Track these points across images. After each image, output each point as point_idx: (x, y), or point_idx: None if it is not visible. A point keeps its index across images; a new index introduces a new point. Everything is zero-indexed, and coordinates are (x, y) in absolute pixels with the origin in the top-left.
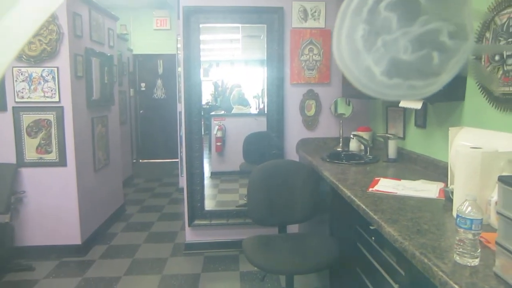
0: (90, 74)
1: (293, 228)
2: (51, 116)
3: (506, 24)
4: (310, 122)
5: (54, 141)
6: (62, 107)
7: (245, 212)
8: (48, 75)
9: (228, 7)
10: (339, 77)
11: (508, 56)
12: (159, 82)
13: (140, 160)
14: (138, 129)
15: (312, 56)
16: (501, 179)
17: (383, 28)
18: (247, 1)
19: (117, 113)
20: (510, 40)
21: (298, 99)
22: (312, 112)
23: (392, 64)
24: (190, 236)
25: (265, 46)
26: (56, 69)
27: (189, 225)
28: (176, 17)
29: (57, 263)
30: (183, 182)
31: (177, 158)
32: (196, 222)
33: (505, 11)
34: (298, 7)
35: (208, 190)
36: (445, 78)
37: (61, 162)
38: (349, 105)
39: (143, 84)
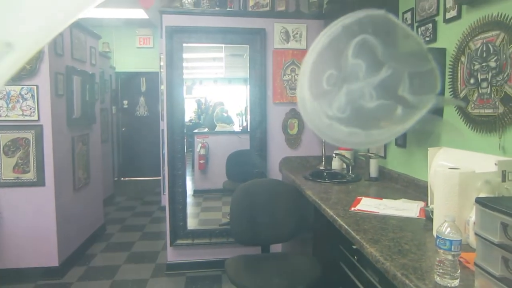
0: (71, 92)
1: (276, 247)
2: (29, 135)
3: (480, 49)
4: (293, 141)
5: (32, 160)
6: (41, 126)
7: (228, 231)
8: (27, 93)
9: (211, 27)
10: None
11: (483, 80)
12: (142, 99)
13: (122, 178)
14: (120, 147)
15: (294, 76)
16: (478, 201)
17: (350, 76)
18: (230, 22)
19: (99, 131)
20: (484, 64)
21: (281, 118)
22: (295, 131)
23: (352, 113)
24: (172, 256)
25: (248, 65)
26: (35, 87)
27: (171, 245)
28: (159, 35)
29: (32, 287)
30: (165, 200)
31: (160, 176)
32: (178, 241)
33: (479, 37)
34: (280, 28)
35: (190, 209)
36: (402, 128)
37: (39, 181)
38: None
39: (125, 102)
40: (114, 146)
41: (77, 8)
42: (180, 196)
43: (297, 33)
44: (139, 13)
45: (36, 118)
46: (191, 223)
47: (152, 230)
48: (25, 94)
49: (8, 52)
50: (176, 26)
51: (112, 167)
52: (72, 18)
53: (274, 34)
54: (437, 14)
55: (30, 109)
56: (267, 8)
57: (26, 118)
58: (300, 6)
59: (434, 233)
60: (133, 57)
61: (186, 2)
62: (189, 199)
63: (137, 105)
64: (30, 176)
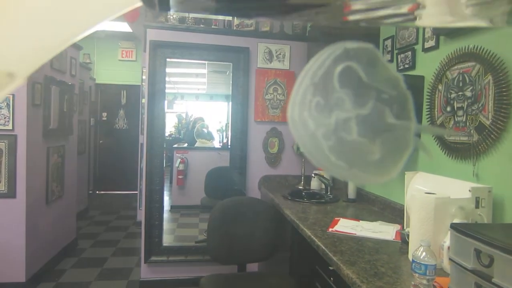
0: (48, 103)
1: (252, 267)
2: (2, 145)
3: (456, 78)
4: (273, 159)
5: (3, 171)
6: (15, 136)
7: (204, 248)
8: (3, 102)
9: (195, 44)
10: None
11: (459, 108)
12: (121, 112)
13: (97, 192)
14: (96, 159)
15: (276, 95)
16: (453, 227)
17: (337, 105)
18: (214, 39)
19: (75, 143)
20: (460, 93)
21: (262, 136)
22: (275, 149)
23: (337, 143)
24: (146, 273)
25: (231, 82)
26: (11, 96)
27: (145, 261)
28: (142, 49)
29: None
30: (141, 215)
31: (136, 190)
32: (153, 258)
33: (455, 67)
34: (263, 48)
35: (167, 225)
36: (392, 173)
37: (10, 193)
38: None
39: (104, 114)
40: (91, 158)
41: (73, 32)
42: (157, 212)
43: (280, 54)
44: (123, 26)
45: (11, 128)
46: (167, 240)
47: (126, 245)
48: (0, 103)
49: (10, 82)
50: (160, 41)
51: (88, 180)
52: (67, 41)
53: (257, 54)
54: (416, 43)
55: (5, 118)
56: (252, 28)
57: (0, 127)
58: (284, 28)
59: (410, 257)
60: (114, 69)
61: (171, 18)
62: (166, 215)
63: (117, 118)
64: (0, 187)
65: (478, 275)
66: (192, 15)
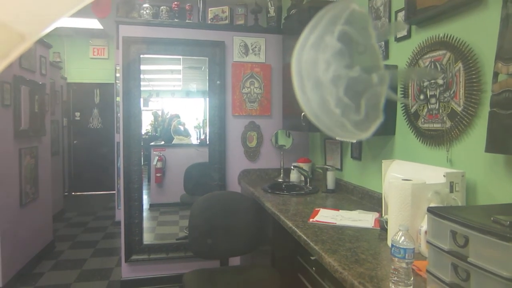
0: (18, 103)
1: (235, 260)
2: None
3: (428, 67)
4: (252, 153)
5: None
6: None
7: (185, 245)
8: None
9: (170, 39)
10: (279, 110)
11: (431, 96)
12: (95, 111)
13: (73, 193)
14: (71, 160)
15: (253, 89)
16: (430, 210)
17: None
18: (189, 34)
19: (49, 144)
20: (432, 81)
21: (240, 130)
22: (253, 143)
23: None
24: (127, 272)
25: (207, 77)
26: None
27: (125, 261)
28: (114, 46)
29: None
30: (120, 215)
31: (114, 190)
32: (134, 257)
33: (427, 55)
34: (239, 42)
35: (146, 223)
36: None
37: None
38: (289, 137)
39: (77, 114)
40: (65, 159)
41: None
42: (136, 210)
43: (255, 47)
44: (93, 23)
45: None
46: (147, 238)
47: (105, 246)
48: None
49: (21, 44)
50: (133, 37)
51: (63, 181)
52: (70, 10)
53: (233, 47)
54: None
55: None
56: (226, 22)
57: None
58: (258, 21)
59: (389, 243)
60: (86, 68)
61: (144, 13)
62: (145, 213)
63: (90, 117)
64: None
65: (454, 255)
66: (166, 8)
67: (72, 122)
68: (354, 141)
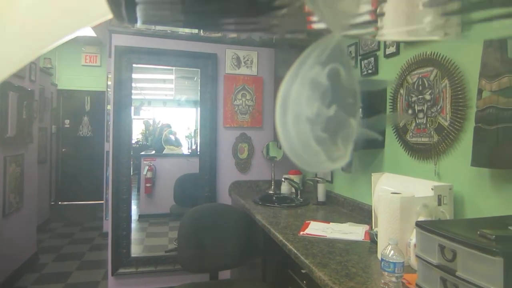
0: (5, 109)
1: (225, 274)
2: None
3: (416, 83)
4: (243, 165)
5: None
6: None
7: (175, 258)
8: None
9: (162, 49)
10: (271, 121)
11: (419, 111)
12: (85, 119)
13: (60, 203)
14: (59, 168)
15: (245, 101)
16: (418, 225)
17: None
18: (182, 45)
19: (36, 152)
20: (420, 97)
21: (231, 142)
22: (245, 155)
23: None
24: (114, 286)
25: (199, 88)
26: None
27: (112, 274)
28: (107, 54)
29: None
30: (107, 226)
31: (102, 200)
32: (121, 270)
33: (415, 72)
34: (231, 54)
35: (135, 234)
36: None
37: None
38: (280, 148)
39: (67, 121)
40: (53, 168)
41: (41, 45)
42: (124, 222)
43: (248, 60)
44: (87, 31)
45: None
46: (135, 250)
47: (91, 258)
48: None
49: (23, 59)
50: (126, 46)
51: (49, 190)
52: (35, 53)
53: (225, 60)
54: (378, 49)
55: None
56: (219, 34)
57: None
58: (251, 34)
59: (379, 256)
60: (77, 75)
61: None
62: (134, 224)
63: (80, 125)
64: None
65: (443, 269)
66: None
67: (61, 130)
68: None
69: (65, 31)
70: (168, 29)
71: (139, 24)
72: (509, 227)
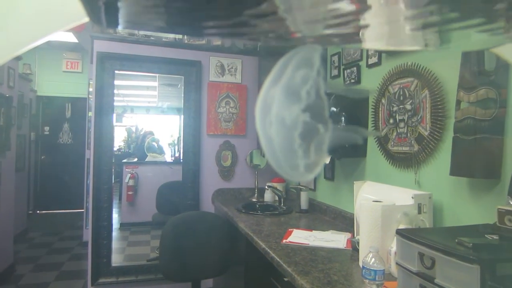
0: None
1: (207, 283)
2: None
3: (397, 93)
4: (226, 173)
5: None
6: None
7: (156, 267)
8: None
9: (145, 56)
10: (254, 129)
11: (400, 120)
12: (66, 126)
13: (38, 211)
14: (37, 176)
15: (228, 108)
16: (398, 233)
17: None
18: (165, 52)
19: (13, 159)
20: (401, 106)
21: (215, 149)
22: (228, 162)
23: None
24: None
25: (182, 95)
26: None
27: (92, 284)
28: (89, 60)
29: None
30: (88, 235)
31: (83, 209)
32: (101, 280)
33: (396, 82)
34: (215, 62)
35: (116, 243)
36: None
37: None
38: (264, 156)
39: (47, 128)
40: (31, 176)
41: (14, 48)
42: (105, 230)
43: (232, 67)
44: (68, 36)
45: None
46: (116, 259)
47: (71, 268)
48: None
49: None
50: (108, 53)
51: (27, 198)
52: (7, 57)
53: (209, 67)
54: (361, 59)
55: None
56: (203, 42)
57: None
58: (235, 42)
59: (360, 263)
60: (58, 81)
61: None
62: (115, 233)
63: (60, 132)
64: None
65: (422, 277)
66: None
67: (41, 137)
68: (327, 162)
69: (40, 33)
70: (152, 35)
71: (120, 29)
72: (486, 236)
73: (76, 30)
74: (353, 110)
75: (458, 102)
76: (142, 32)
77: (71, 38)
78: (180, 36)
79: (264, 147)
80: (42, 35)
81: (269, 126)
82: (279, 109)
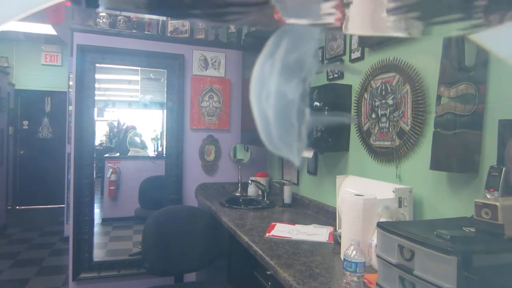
0: None
1: (190, 276)
2: None
3: (380, 87)
4: (209, 167)
5: None
6: None
7: (139, 261)
8: None
9: (127, 49)
10: (238, 124)
11: (382, 115)
12: (45, 120)
13: (17, 207)
14: (16, 171)
15: (212, 103)
16: (379, 225)
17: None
18: (148, 45)
19: None
20: (383, 101)
21: (198, 144)
22: (211, 157)
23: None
24: None
25: (165, 90)
26: None
27: (73, 279)
28: (68, 53)
29: None
30: (69, 230)
31: (63, 204)
32: (83, 275)
33: (379, 77)
34: (198, 55)
35: (98, 238)
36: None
37: None
38: (247, 151)
39: (25, 122)
40: (9, 170)
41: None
42: (87, 225)
43: (215, 61)
44: (46, 28)
45: None
46: (98, 255)
47: (51, 263)
48: None
49: None
50: (89, 45)
51: (6, 194)
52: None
53: (193, 61)
54: (344, 54)
55: None
56: (186, 35)
57: None
58: (219, 36)
59: (342, 256)
60: (37, 74)
61: (101, 21)
62: (97, 228)
63: (40, 127)
64: None
65: (401, 268)
66: (124, 18)
67: (19, 131)
68: (310, 156)
69: (15, 11)
70: (134, 21)
71: (100, 9)
72: (463, 228)
73: (54, 22)
74: (335, 104)
75: (439, 97)
76: (124, 22)
77: (50, 30)
78: (164, 18)
79: (257, 122)
80: (17, 13)
81: (265, 100)
82: (277, 83)
